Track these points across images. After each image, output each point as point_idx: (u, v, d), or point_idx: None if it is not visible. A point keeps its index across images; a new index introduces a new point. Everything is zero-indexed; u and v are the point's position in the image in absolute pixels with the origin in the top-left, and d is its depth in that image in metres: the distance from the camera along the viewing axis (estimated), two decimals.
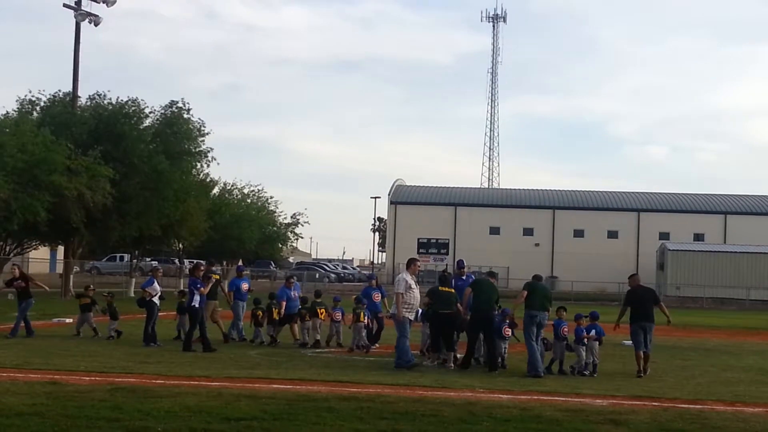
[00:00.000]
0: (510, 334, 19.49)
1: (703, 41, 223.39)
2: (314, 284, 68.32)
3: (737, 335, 33.80)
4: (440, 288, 19.97)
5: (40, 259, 60.80)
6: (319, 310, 23.24)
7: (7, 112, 46.64)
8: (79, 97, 49.32)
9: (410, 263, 19.78)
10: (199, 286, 21.45)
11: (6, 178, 38.86)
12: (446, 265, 69.88)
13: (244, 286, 25.40)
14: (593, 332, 19.22)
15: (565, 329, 19.33)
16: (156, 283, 23.07)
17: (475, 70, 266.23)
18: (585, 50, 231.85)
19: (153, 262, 79.06)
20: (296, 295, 24.03)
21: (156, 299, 22.69)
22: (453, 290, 19.91)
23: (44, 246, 56.32)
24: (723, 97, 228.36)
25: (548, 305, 19.23)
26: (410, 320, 19.02)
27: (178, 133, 49.97)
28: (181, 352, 20.22)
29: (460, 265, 22.05)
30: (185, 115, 50.25)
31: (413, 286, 19.15)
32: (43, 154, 40.80)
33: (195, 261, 23.63)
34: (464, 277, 21.40)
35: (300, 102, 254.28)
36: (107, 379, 14.94)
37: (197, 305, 21.29)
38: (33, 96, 48.19)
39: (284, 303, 23.56)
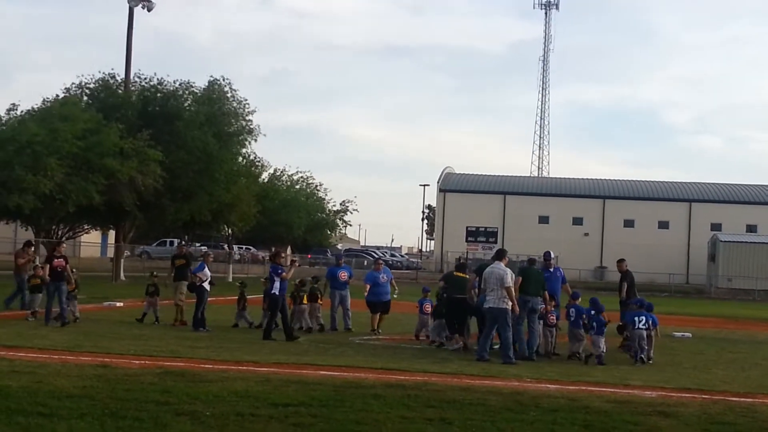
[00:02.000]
0: (555, 320, 19.47)
1: (760, 27, 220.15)
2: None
3: None
4: (455, 273, 20.73)
5: (91, 243, 61.51)
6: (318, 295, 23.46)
7: (57, 96, 47.10)
8: (133, 84, 49.71)
9: (503, 255, 19.04)
10: (280, 272, 20.92)
11: (60, 162, 39.30)
12: (534, 258, 69.75)
13: (343, 274, 23.97)
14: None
15: (552, 318, 19.46)
16: (207, 269, 23.06)
17: (527, 58, 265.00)
18: (637, 37, 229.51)
19: (203, 248, 79.86)
20: (385, 278, 23.30)
21: (206, 285, 22.72)
22: (467, 276, 20.46)
23: (96, 230, 56.91)
24: None
25: (542, 290, 19.40)
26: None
27: (226, 113, 50.20)
28: (262, 341, 19.82)
29: (546, 256, 21.34)
30: (228, 94, 50.49)
31: None
32: (95, 137, 41.21)
33: (275, 248, 22.96)
34: (552, 270, 21.00)
35: (350, 88, 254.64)
36: (156, 362, 15.06)
37: (278, 292, 20.79)
38: (82, 80, 48.65)
39: (369, 286, 23.11)
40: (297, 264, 21.99)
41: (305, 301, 23.10)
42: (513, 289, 18.13)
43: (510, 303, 17.97)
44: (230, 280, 56.44)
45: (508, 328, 17.87)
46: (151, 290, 23.86)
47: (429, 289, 22.72)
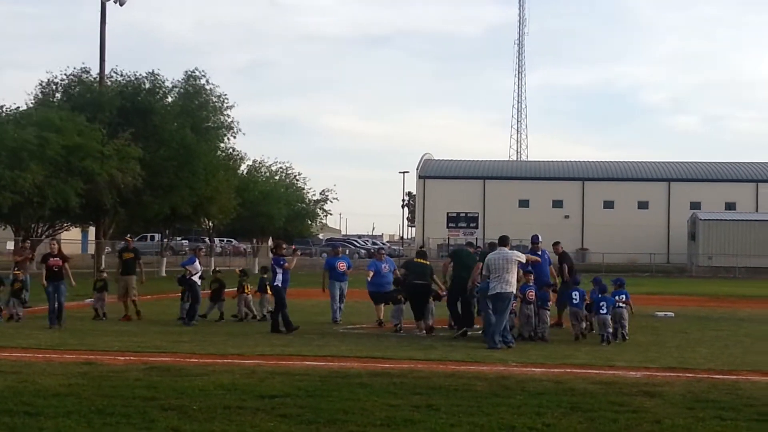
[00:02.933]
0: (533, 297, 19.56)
1: (733, 7, 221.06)
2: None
3: None
4: (415, 260, 21.18)
5: (71, 240, 61.24)
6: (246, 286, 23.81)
7: (35, 96, 46.94)
8: (109, 78, 49.49)
9: (507, 241, 18.86)
10: (282, 263, 20.69)
11: (39, 165, 39.21)
12: (476, 239, 69.79)
13: (341, 265, 23.74)
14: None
15: (531, 293, 19.46)
16: (197, 262, 22.92)
17: (503, 42, 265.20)
18: (612, 18, 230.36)
19: (184, 241, 79.67)
20: (387, 268, 22.84)
21: (197, 278, 22.59)
22: (428, 263, 21.05)
23: (75, 227, 56.74)
24: (754, 65, 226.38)
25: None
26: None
27: (203, 107, 50.16)
28: (269, 333, 19.78)
29: (534, 240, 21.80)
30: (206, 86, 50.43)
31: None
32: (76, 140, 41.14)
33: (276, 239, 22.46)
34: (539, 252, 21.34)
35: (327, 78, 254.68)
36: (141, 358, 15.04)
37: (280, 284, 20.55)
38: (53, 76, 48.42)
39: (372, 273, 22.62)
40: (299, 253, 21.83)
41: (247, 290, 23.56)
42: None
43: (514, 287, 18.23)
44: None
45: (507, 314, 18.00)
46: (99, 285, 23.78)
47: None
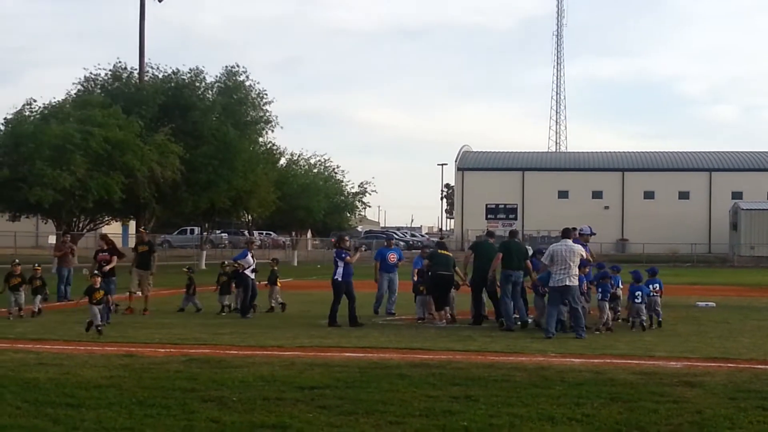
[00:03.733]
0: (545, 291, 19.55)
1: None
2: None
3: None
4: (439, 251, 21.30)
5: (112, 233, 61.67)
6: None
7: (74, 93, 47.41)
8: (147, 72, 49.84)
9: (570, 233, 19.19)
10: (344, 255, 20.34)
11: (83, 158, 39.61)
12: (516, 230, 69.62)
13: (392, 256, 23.30)
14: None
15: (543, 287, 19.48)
16: (250, 256, 22.87)
17: (540, 34, 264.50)
18: (650, 8, 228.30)
19: (223, 235, 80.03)
20: (394, 257, 23.14)
21: (249, 272, 22.56)
22: (450, 254, 21.47)
23: (116, 221, 57.25)
24: None
25: (523, 264, 20.03)
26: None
27: (243, 103, 50.36)
28: (327, 326, 19.59)
29: (584, 231, 21.47)
30: (246, 82, 50.63)
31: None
32: (118, 135, 41.52)
33: (339, 233, 22.02)
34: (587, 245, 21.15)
35: (364, 72, 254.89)
36: (182, 350, 15.12)
37: (340, 278, 20.20)
38: (92, 73, 48.85)
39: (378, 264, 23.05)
40: (363, 249, 21.82)
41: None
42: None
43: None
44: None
45: (579, 303, 18.16)
46: (187, 283, 23.91)
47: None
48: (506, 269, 19.67)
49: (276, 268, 23.94)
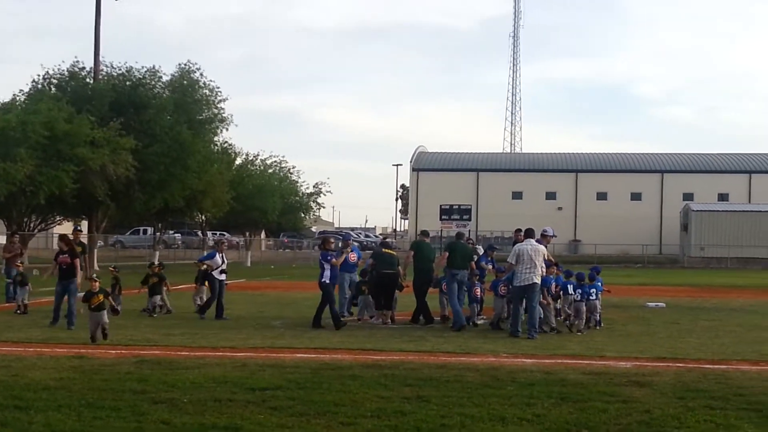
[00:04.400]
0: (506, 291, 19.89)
1: (727, 1, 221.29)
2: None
3: (762, 295, 33.68)
4: (383, 250, 21.49)
5: (65, 233, 61.18)
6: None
7: (22, 91, 46.96)
8: (102, 73, 49.44)
9: (534, 233, 19.36)
10: (329, 258, 20.06)
11: (29, 153, 39.14)
12: (468, 231, 69.64)
13: (352, 256, 22.81)
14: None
15: (503, 287, 19.86)
16: (218, 257, 22.51)
17: (498, 35, 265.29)
18: (606, 10, 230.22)
19: (176, 235, 79.59)
20: (354, 257, 22.69)
21: (217, 273, 22.20)
22: (395, 253, 21.68)
23: (68, 221, 56.71)
24: (747, 57, 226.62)
25: (468, 263, 20.37)
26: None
27: (198, 101, 50.09)
28: (310, 328, 19.34)
29: (546, 233, 21.59)
30: (200, 81, 50.38)
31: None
32: (66, 127, 41.05)
33: (324, 234, 21.39)
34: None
35: (321, 71, 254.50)
36: (132, 351, 15.01)
37: (328, 281, 19.87)
38: (49, 71, 48.37)
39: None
40: (350, 250, 21.48)
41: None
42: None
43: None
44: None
45: (537, 303, 18.43)
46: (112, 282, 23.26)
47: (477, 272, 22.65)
48: (451, 268, 20.00)
49: (204, 268, 23.34)
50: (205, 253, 23.28)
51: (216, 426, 9.29)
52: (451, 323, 19.79)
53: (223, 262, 22.53)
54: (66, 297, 19.67)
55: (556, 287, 19.59)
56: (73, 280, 19.85)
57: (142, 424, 9.40)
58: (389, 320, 20.53)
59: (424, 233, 22.35)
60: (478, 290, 20.58)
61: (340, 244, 23.56)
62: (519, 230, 20.90)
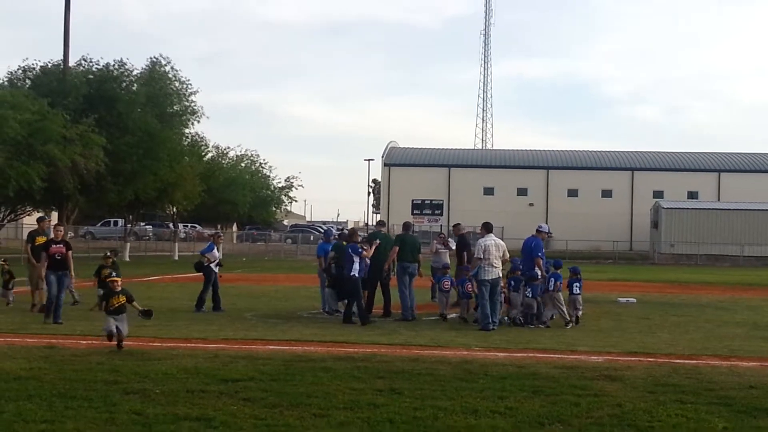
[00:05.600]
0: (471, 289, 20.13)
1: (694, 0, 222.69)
2: (308, 246, 68.41)
3: (731, 291, 33.93)
4: (344, 244, 20.89)
5: (33, 225, 60.77)
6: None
7: (1, 82, 46.60)
8: (76, 67, 49.15)
9: (492, 227, 19.50)
10: (360, 251, 19.53)
11: (1, 147, 38.87)
12: (440, 226, 69.73)
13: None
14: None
15: (469, 286, 20.09)
16: (216, 250, 22.54)
17: (468, 33, 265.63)
18: (576, 10, 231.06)
19: (147, 227, 79.25)
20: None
21: (214, 266, 22.20)
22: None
23: (38, 212, 56.34)
24: (715, 57, 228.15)
25: (417, 256, 20.58)
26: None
27: (168, 94, 49.93)
28: (342, 324, 18.98)
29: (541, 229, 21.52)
30: (170, 73, 50.22)
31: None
32: (39, 124, 40.77)
33: (351, 228, 20.59)
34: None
35: (292, 67, 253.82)
36: (104, 342, 14.92)
37: (357, 274, 19.35)
38: (26, 65, 48.10)
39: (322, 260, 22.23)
40: (377, 241, 21.16)
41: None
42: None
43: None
44: (176, 258, 56.18)
45: (499, 296, 18.86)
46: (6, 278, 22.66)
47: (448, 265, 22.50)
48: (402, 261, 20.24)
49: (115, 260, 22.81)
50: (208, 245, 22.85)
51: (188, 417, 9.25)
52: (440, 315, 20.11)
53: (219, 254, 22.59)
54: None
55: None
56: (67, 272, 19.08)
57: (113, 414, 9.35)
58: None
59: (381, 223, 22.45)
60: (469, 286, 20.27)
61: (320, 240, 23.51)
62: (457, 225, 21.33)
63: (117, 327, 13.79)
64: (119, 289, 14.41)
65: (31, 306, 21.01)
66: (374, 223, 25.23)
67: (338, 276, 20.70)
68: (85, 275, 24.61)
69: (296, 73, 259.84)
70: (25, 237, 27.49)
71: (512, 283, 19.56)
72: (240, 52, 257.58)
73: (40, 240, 21.11)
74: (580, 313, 19.82)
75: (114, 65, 49.15)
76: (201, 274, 22.36)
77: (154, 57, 50.68)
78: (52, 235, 20.39)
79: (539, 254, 19.76)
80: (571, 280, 20.01)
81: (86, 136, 42.91)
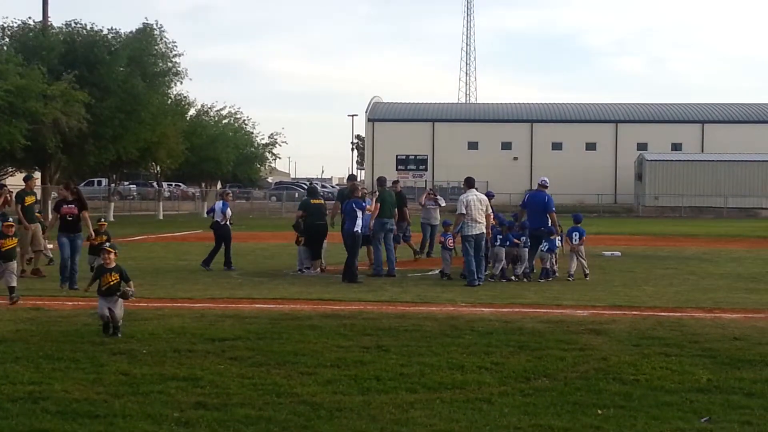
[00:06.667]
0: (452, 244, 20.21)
1: None
2: (293, 204, 68.33)
3: (715, 243, 34.09)
4: (312, 201, 21.24)
5: (16, 185, 60.46)
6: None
7: None
8: (52, 25, 48.58)
9: (474, 182, 19.46)
10: (364, 206, 19.37)
11: None
12: (425, 181, 69.82)
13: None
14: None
15: (450, 241, 20.11)
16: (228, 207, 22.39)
17: None
18: None
19: (131, 186, 79.00)
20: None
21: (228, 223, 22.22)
22: (323, 202, 21.65)
23: (20, 172, 56.02)
24: (697, 8, 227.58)
25: (394, 211, 20.79)
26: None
27: (152, 55, 49.52)
28: (341, 282, 18.75)
29: (543, 183, 21.64)
30: (157, 37, 49.73)
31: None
32: (17, 80, 40.34)
33: (352, 183, 20.04)
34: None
35: (273, 21, 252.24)
36: (90, 303, 14.82)
37: (360, 230, 19.18)
38: (4, 23, 47.56)
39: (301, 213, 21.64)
40: (377, 193, 21.05)
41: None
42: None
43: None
44: (161, 217, 56.08)
45: (484, 251, 18.90)
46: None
47: (450, 222, 21.99)
48: (380, 218, 20.15)
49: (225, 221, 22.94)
50: (218, 204, 22.52)
51: (176, 377, 9.28)
52: (440, 272, 20.01)
53: (230, 212, 22.59)
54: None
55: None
56: (80, 235, 17.85)
57: (101, 375, 9.38)
58: (320, 268, 20.75)
59: (381, 181, 22.25)
60: (451, 241, 20.10)
61: (305, 196, 23.27)
62: (396, 181, 21.52)
63: (110, 309, 11.82)
64: (113, 265, 12.27)
65: (20, 272, 19.36)
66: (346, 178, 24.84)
67: (308, 233, 20.80)
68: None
69: (277, 28, 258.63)
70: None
71: (499, 237, 19.57)
72: (221, 6, 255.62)
73: (30, 200, 20.69)
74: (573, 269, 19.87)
75: (105, 30, 48.51)
76: (215, 233, 22.22)
77: (146, 23, 50.08)
78: (39, 197, 19.94)
79: (553, 209, 19.90)
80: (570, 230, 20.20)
81: (67, 92, 42.52)
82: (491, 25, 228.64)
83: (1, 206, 22.91)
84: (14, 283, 15.12)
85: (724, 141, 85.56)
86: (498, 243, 19.49)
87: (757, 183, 72.07)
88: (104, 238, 19.21)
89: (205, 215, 22.96)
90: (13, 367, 9.68)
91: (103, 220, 20.55)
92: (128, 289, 12.10)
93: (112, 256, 12.35)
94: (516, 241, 19.55)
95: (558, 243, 19.95)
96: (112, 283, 12.05)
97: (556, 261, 19.80)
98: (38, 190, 44.64)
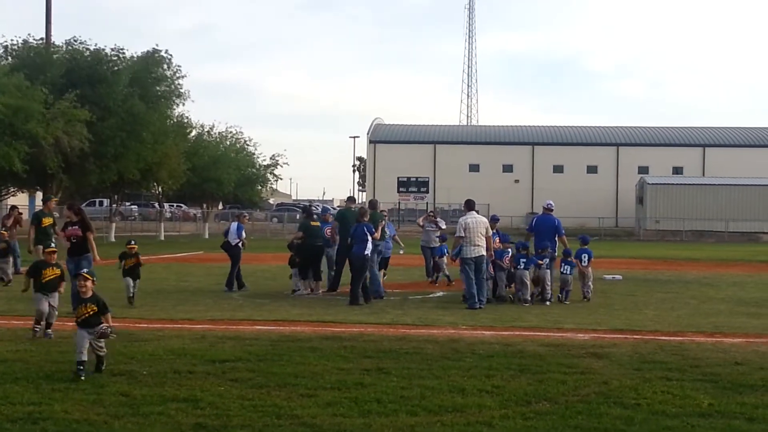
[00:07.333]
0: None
1: None
2: (294, 225, 68.24)
3: (716, 267, 34.07)
4: (311, 223, 21.43)
5: (18, 205, 60.49)
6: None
7: None
8: (54, 44, 48.69)
9: (474, 205, 19.69)
10: (373, 231, 19.38)
11: None
12: (426, 203, 69.86)
13: (327, 231, 21.56)
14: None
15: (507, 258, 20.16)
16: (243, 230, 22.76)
17: (453, 6, 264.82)
18: None
19: (132, 207, 79.03)
20: (328, 231, 21.66)
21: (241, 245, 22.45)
22: (319, 224, 21.59)
23: (22, 192, 56.09)
24: (698, 31, 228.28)
25: (382, 232, 20.66)
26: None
27: (155, 77, 49.59)
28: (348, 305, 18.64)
29: (548, 206, 21.64)
30: (164, 62, 49.83)
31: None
32: (18, 101, 40.33)
33: (361, 207, 19.93)
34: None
35: (276, 42, 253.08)
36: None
37: (369, 253, 19.23)
38: (5, 41, 47.64)
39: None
40: (386, 215, 21.18)
41: None
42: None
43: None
44: (162, 238, 56.04)
45: (485, 274, 18.93)
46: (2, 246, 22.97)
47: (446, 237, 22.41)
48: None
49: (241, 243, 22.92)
50: (234, 226, 22.79)
51: (176, 398, 9.26)
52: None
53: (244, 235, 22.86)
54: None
55: (509, 260, 19.82)
56: (86, 256, 16.55)
57: (101, 396, 9.35)
58: (318, 290, 20.86)
59: (351, 200, 22.66)
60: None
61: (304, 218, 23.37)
62: (373, 201, 21.68)
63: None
64: (89, 294, 11.06)
65: (22, 290, 20.05)
66: (345, 200, 24.98)
67: (304, 254, 20.86)
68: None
69: (280, 49, 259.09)
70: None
71: (523, 261, 19.53)
72: (224, 25, 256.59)
73: (47, 221, 20.15)
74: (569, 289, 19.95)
75: (111, 53, 48.56)
76: (228, 254, 22.49)
77: (155, 48, 50.14)
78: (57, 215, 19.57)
79: (563, 232, 20.28)
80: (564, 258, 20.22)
81: (69, 112, 42.52)
82: (493, 48, 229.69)
83: (12, 226, 22.91)
84: (53, 320, 14.00)
85: (725, 165, 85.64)
86: (522, 266, 19.44)
87: (758, 207, 72.08)
88: (134, 260, 18.73)
89: (224, 237, 22.92)
90: (13, 388, 9.65)
91: (133, 242, 19.47)
92: (107, 327, 10.81)
93: (88, 284, 11.08)
94: (540, 262, 19.57)
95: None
96: (88, 315, 10.84)
97: (551, 283, 19.78)
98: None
